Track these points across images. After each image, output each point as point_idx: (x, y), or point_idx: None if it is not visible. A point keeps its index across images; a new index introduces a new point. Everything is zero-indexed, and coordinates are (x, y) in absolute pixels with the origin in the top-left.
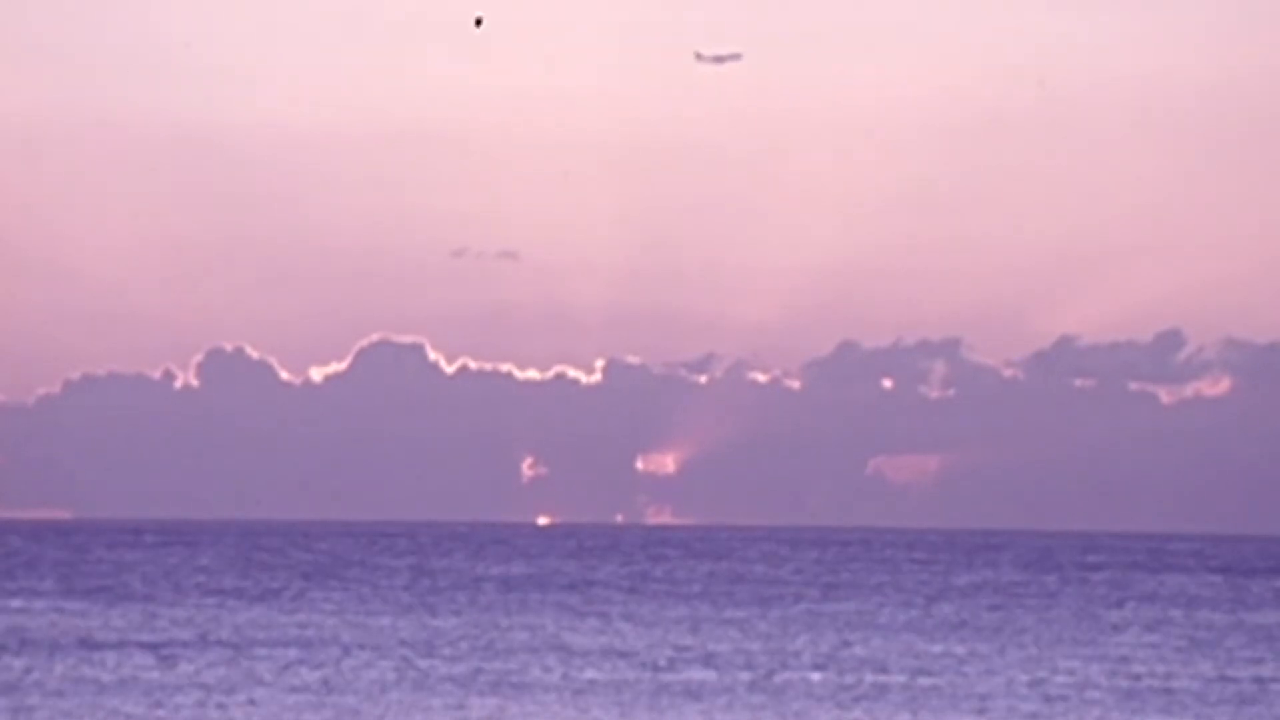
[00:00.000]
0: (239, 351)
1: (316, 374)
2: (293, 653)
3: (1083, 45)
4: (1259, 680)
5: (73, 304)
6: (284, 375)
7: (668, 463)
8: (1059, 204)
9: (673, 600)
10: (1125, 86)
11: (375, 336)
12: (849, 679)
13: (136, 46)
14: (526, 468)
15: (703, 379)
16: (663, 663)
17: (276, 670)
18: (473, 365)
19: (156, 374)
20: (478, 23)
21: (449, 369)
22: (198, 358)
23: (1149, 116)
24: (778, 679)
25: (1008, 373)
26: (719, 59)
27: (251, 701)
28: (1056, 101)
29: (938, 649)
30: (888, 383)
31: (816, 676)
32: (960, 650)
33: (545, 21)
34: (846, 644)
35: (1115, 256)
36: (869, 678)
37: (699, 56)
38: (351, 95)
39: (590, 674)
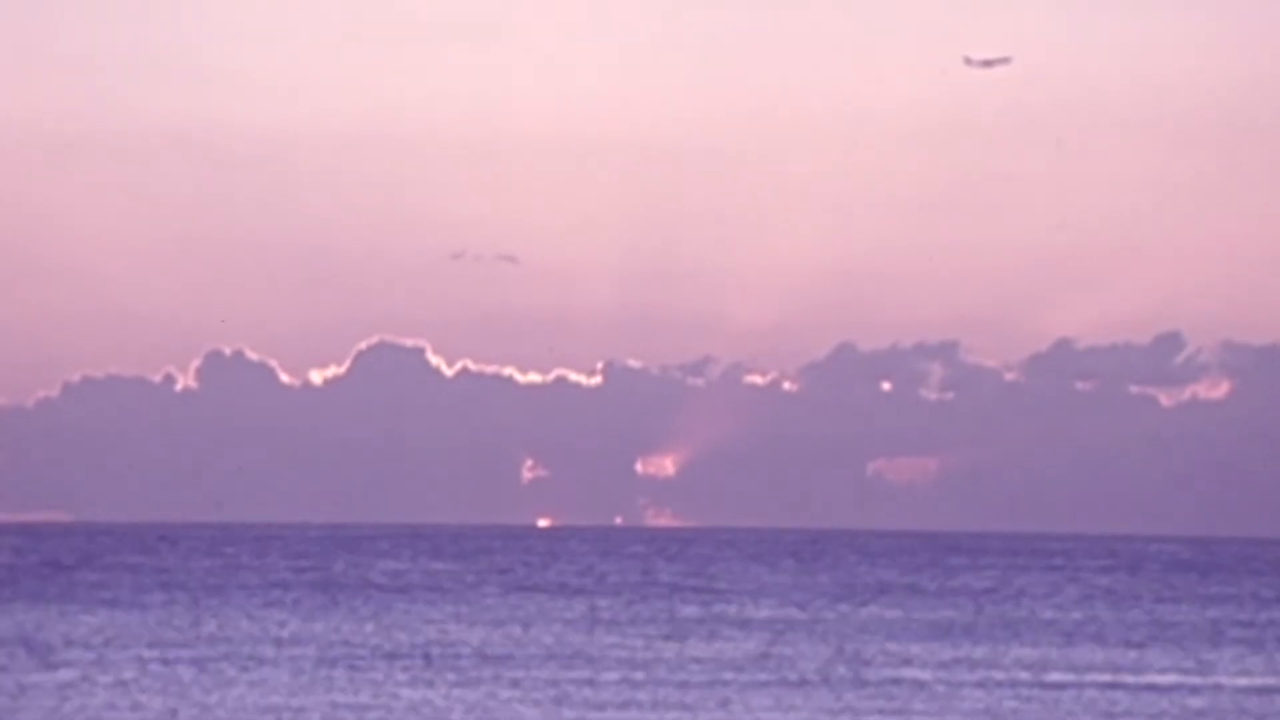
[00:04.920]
0: (238, 354)
1: (316, 376)
2: (292, 657)
3: (1083, 46)
4: (1261, 683)
5: (72, 306)
6: (284, 378)
7: (667, 465)
8: (1058, 206)
9: (673, 601)
10: (1125, 88)
11: (374, 339)
12: (847, 679)
13: (135, 48)
14: (526, 470)
15: (700, 382)
16: (664, 663)
17: (272, 675)
18: (473, 368)
19: (157, 377)
20: None
21: (449, 371)
22: (197, 361)
23: (1149, 118)
24: (777, 679)
25: (1008, 375)
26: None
27: (249, 706)
28: (1057, 103)
29: (936, 651)
30: (886, 385)
31: (816, 677)
32: (959, 652)
33: (546, 24)
34: (845, 645)
35: (1114, 258)
36: (868, 679)
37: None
38: (351, 97)
39: (590, 674)
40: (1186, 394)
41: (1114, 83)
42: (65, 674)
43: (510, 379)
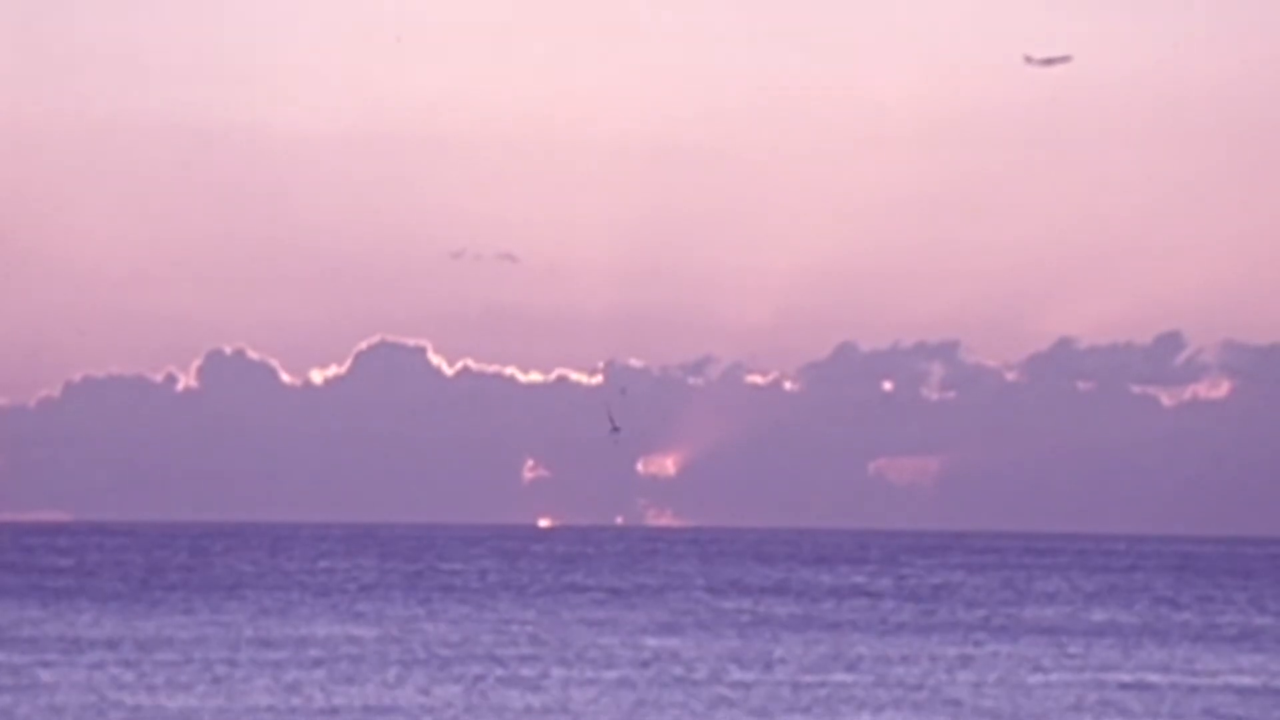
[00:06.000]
0: (239, 354)
1: (317, 376)
2: (292, 656)
3: (1083, 46)
4: (1260, 683)
5: (74, 306)
6: (285, 377)
7: (668, 465)
8: (1058, 206)
9: (672, 600)
10: (1126, 88)
11: (375, 338)
12: (848, 680)
13: (137, 48)
14: (527, 470)
15: (700, 382)
16: (663, 663)
17: (275, 674)
18: (474, 367)
19: (158, 376)
20: None
21: (450, 371)
22: (198, 360)
23: (1149, 118)
24: (777, 680)
25: (1008, 375)
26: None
27: (252, 706)
28: (1057, 102)
29: (937, 650)
30: (887, 385)
31: (815, 678)
32: (957, 652)
33: (547, 24)
34: (845, 645)
35: (1114, 258)
36: (868, 679)
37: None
38: (352, 97)
39: (590, 675)
40: (1187, 393)
41: (1116, 83)
42: (69, 672)
43: (511, 379)
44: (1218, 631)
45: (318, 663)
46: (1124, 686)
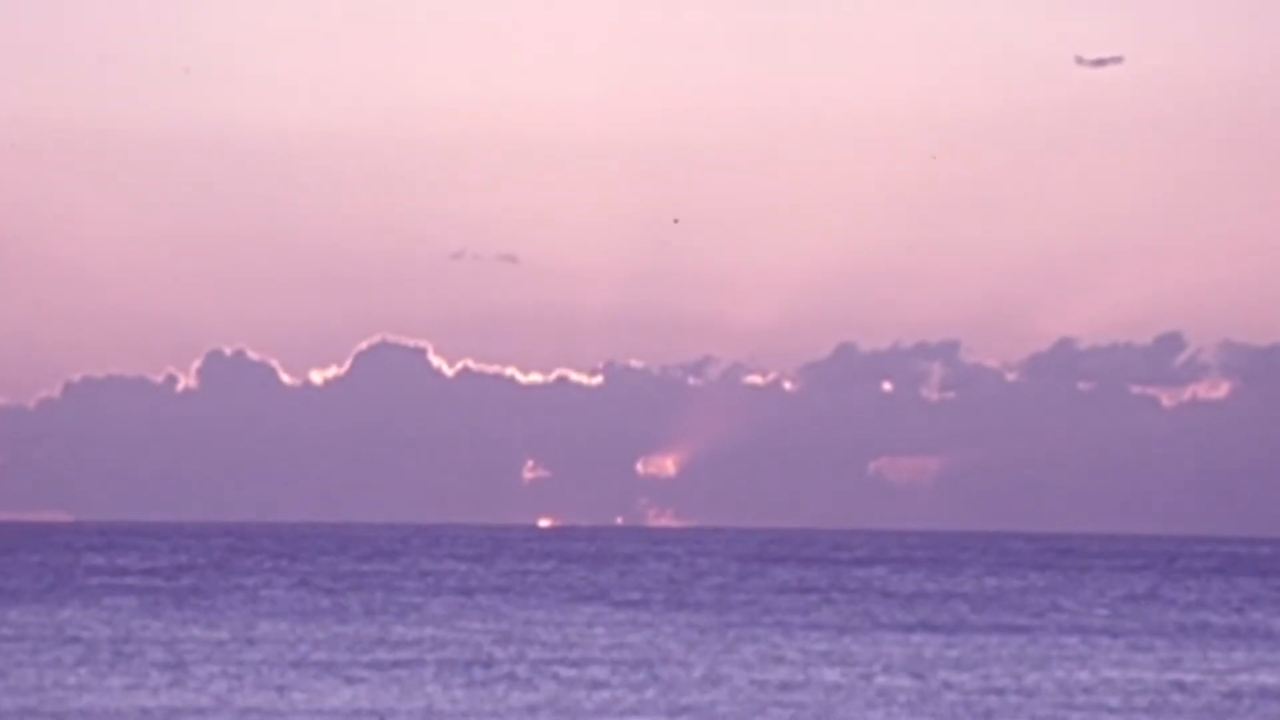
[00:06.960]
0: (239, 354)
1: (317, 376)
2: (289, 656)
3: (1084, 45)
4: (1260, 684)
5: (73, 306)
6: (285, 378)
7: (668, 465)
8: (1059, 205)
9: (673, 601)
10: (1126, 87)
11: (375, 339)
12: (848, 681)
13: (136, 47)
14: (527, 470)
15: (700, 382)
16: (663, 663)
17: (271, 674)
18: (474, 367)
19: (158, 377)
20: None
21: (450, 372)
22: (198, 361)
23: (1150, 117)
24: (777, 680)
25: (1009, 375)
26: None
27: (247, 706)
28: (1057, 104)
29: (937, 650)
30: (887, 385)
31: (816, 678)
32: (958, 652)
33: (546, 23)
34: (845, 645)
35: (1115, 258)
36: (869, 679)
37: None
38: (351, 96)
39: (590, 675)
40: (1187, 394)
41: (1116, 82)
42: (66, 671)
43: (511, 379)
44: (1217, 631)
45: (314, 663)
46: (1122, 686)
